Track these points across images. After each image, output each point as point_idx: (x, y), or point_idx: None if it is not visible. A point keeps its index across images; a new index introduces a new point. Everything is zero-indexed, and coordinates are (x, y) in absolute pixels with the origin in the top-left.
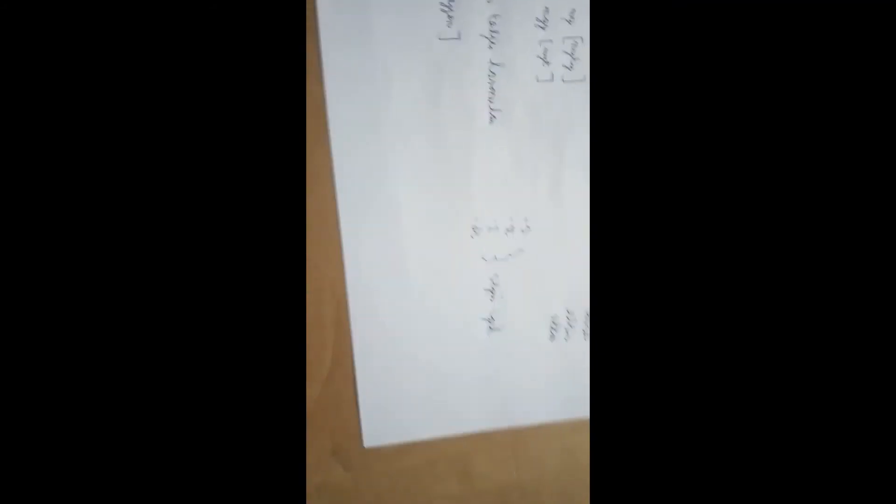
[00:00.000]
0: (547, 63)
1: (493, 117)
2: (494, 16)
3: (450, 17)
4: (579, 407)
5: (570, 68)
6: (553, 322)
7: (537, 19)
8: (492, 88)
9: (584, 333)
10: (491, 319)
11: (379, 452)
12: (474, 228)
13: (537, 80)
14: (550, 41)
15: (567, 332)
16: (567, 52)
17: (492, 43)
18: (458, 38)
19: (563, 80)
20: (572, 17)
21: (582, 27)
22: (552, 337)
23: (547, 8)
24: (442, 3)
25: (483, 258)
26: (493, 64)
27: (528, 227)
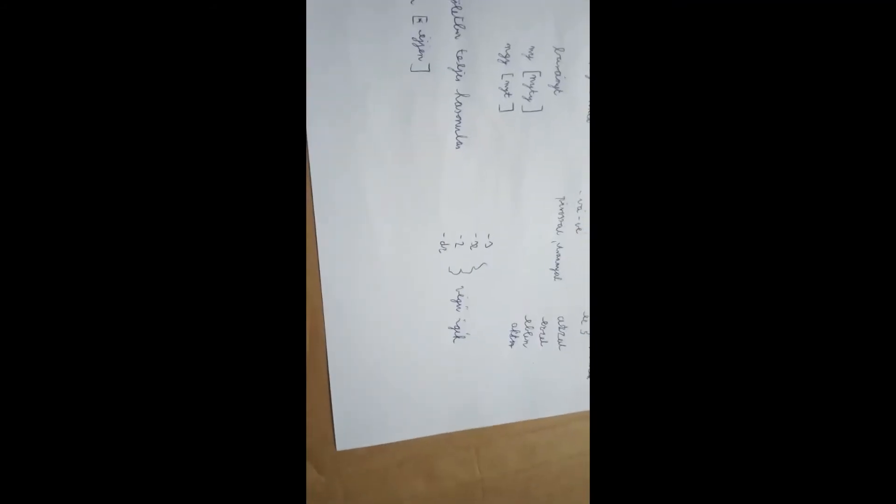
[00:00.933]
0: (508, 95)
1: (459, 143)
2: (461, 51)
3: (421, 50)
4: (537, 408)
5: (528, 99)
6: (513, 330)
7: (500, 55)
8: (458, 117)
9: (541, 340)
10: (457, 328)
11: (351, 455)
12: (442, 244)
13: (499, 110)
14: (511, 75)
15: (526, 339)
16: (526, 85)
17: (459, 75)
18: (429, 70)
19: (522, 110)
20: (531, 54)
21: (540, 62)
22: (512, 343)
23: (508, 45)
24: (414, 38)
25: (450, 271)
26: (459, 94)
27: (490, 242)
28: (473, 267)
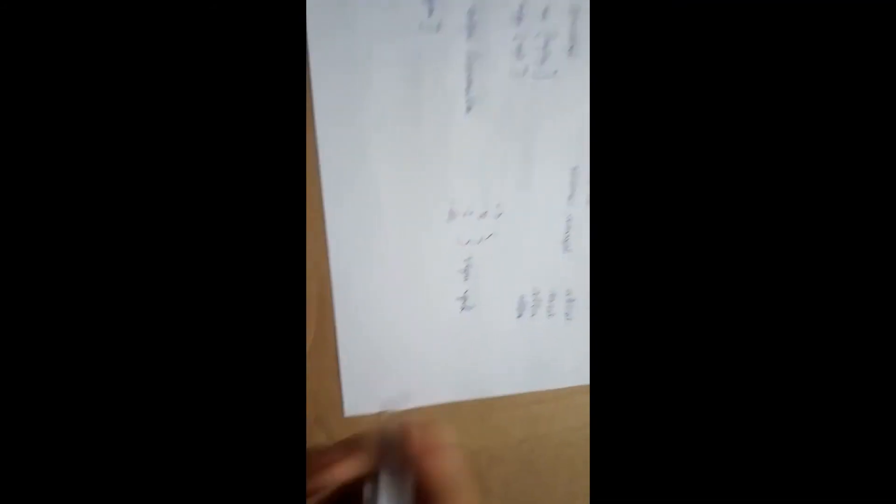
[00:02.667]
0: (521, 57)
1: (469, 107)
2: (473, 8)
3: (430, 8)
4: (542, 380)
5: (541, 63)
6: (520, 302)
7: (513, 14)
8: (469, 79)
9: (549, 312)
10: (464, 299)
11: (359, 421)
12: (450, 213)
13: (511, 74)
14: (525, 36)
15: (533, 312)
16: (540, 48)
17: (470, 35)
18: (438, 28)
19: (533, 76)
20: (546, 14)
21: (554, 24)
22: (519, 315)
23: (522, 4)
24: None
25: (458, 241)
26: (470, 55)
27: (500, 213)
28: (482, 237)
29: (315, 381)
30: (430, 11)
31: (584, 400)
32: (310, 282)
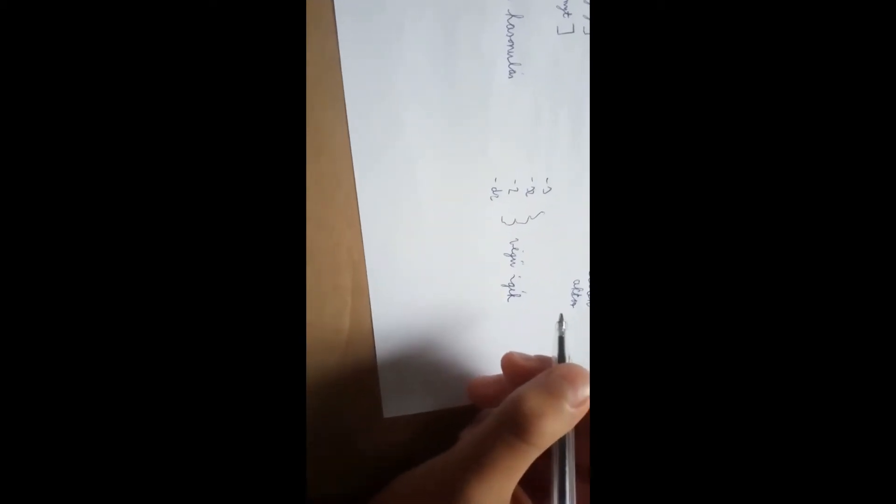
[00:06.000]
0: (568, 14)
1: (512, 71)
2: None
3: None
4: None
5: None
6: (575, 287)
7: None
8: (511, 41)
9: None
10: (511, 285)
11: (398, 422)
12: (493, 190)
13: (558, 32)
14: None
15: (591, 298)
16: (588, 2)
17: None
18: None
19: (584, 32)
20: None
21: None
22: (574, 303)
23: None
24: None
25: (503, 221)
26: (511, 15)
27: (549, 188)
28: (530, 216)
29: (354, 377)
30: None
31: None
32: (344, 272)
